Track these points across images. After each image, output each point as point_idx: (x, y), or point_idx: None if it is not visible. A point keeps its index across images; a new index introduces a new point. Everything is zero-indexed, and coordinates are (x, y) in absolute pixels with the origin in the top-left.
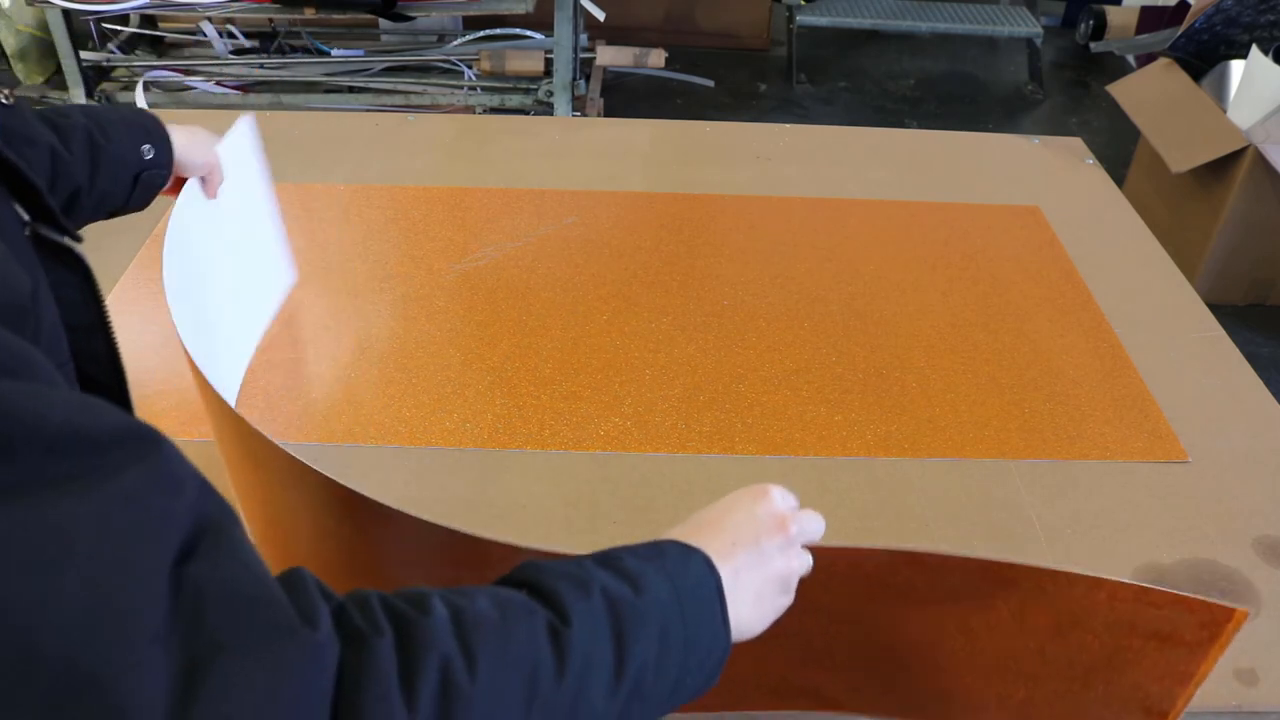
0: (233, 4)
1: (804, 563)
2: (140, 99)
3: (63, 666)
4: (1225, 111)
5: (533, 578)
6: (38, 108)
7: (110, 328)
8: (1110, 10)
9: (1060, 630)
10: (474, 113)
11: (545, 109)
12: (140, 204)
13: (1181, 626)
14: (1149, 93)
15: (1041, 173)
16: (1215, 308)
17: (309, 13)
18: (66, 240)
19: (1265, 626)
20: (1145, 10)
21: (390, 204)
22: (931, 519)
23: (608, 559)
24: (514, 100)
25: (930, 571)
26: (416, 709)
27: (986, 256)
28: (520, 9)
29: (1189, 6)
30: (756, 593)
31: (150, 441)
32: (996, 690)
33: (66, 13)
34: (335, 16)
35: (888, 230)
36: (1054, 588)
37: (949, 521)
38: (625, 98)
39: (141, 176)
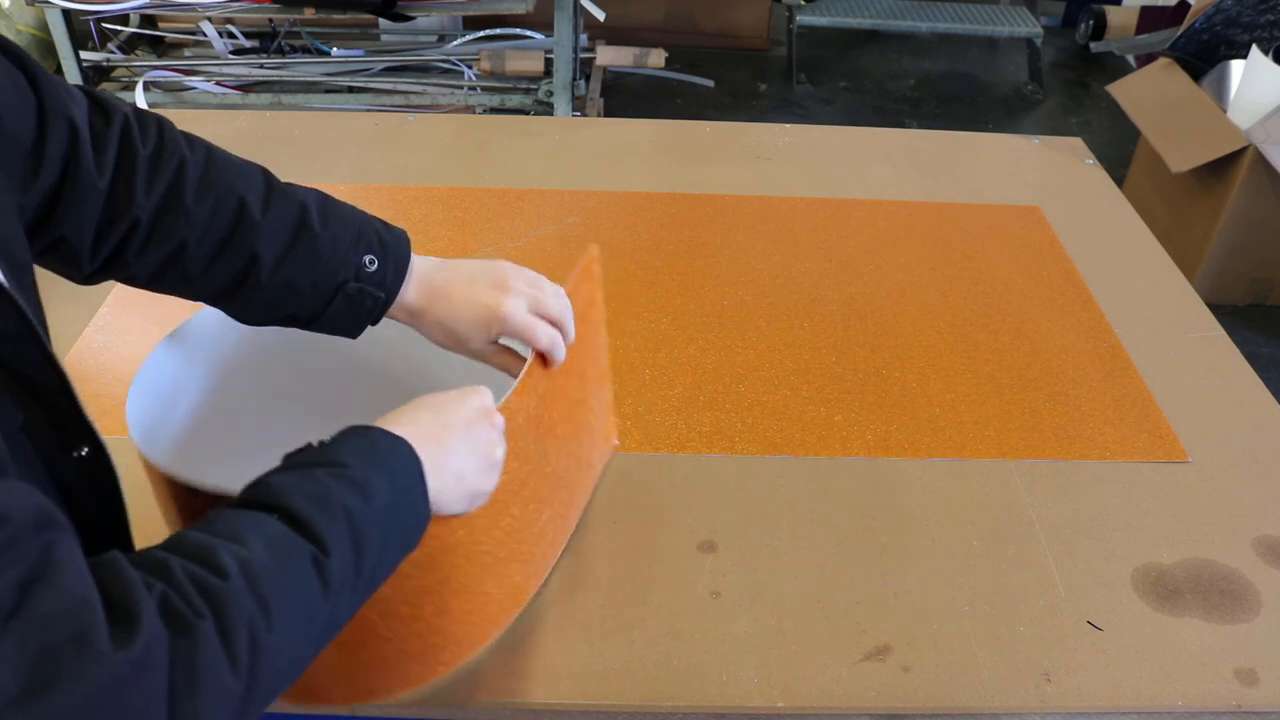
0: (233, 4)
1: (504, 449)
2: (140, 99)
3: None
4: (1225, 111)
5: (279, 502)
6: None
7: (37, 332)
8: (1110, 10)
9: None
10: (474, 113)
11: (545, 109)
12: (342, 326)
13: None
14: (1149, 93)
15: (1041, 173)
16: (1215, 308)
17: (309, 13)
18: None
19: (1265, 626)
20: (1145, 10)
21: (390, 204)
22: (931, 519)
23: (333, 464)
24: (514, 100)
25: None
26: (239, 670)
27: (986, 256)
28: (520, 9)
29: (1189, 6)
30: (459, 472)
31: None
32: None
33: (66, 13)
34: (335, 16)
35: (887, 230)
36: None
37: (949, 521)
38: (625, 98)
39: (346, 288)
